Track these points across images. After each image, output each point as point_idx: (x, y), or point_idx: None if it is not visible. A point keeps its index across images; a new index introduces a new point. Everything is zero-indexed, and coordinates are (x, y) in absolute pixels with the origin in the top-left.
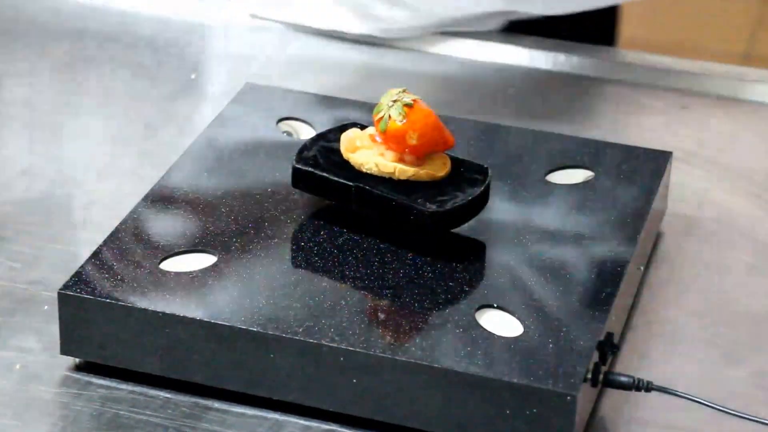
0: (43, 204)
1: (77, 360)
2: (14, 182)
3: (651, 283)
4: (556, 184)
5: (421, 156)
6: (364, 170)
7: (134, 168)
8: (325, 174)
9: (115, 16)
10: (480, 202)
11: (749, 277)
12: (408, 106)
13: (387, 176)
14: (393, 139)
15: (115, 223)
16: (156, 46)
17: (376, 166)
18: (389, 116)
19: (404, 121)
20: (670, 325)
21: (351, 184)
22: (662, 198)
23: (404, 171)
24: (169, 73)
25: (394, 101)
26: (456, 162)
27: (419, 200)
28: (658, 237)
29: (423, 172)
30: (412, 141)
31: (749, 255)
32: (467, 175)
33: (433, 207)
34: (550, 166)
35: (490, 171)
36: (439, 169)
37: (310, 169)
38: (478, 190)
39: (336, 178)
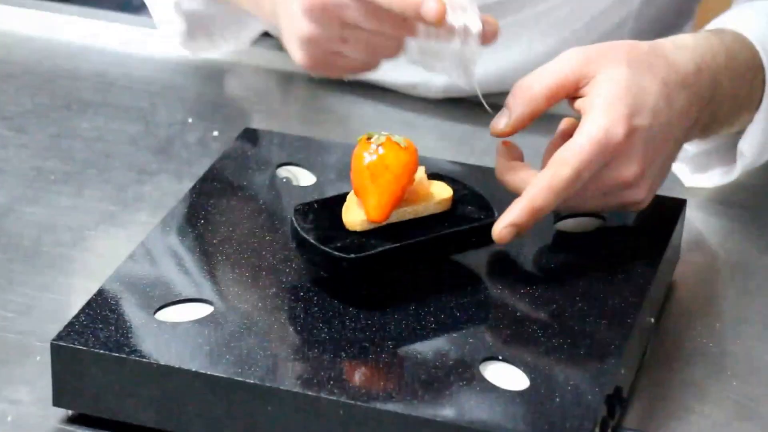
0: (36, 252)
1: (70, 412)
2: (6, 229)
3: (663, 335)
4: (565, 232)
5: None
6: None
7: (129, 215)
8: None
9: (109, 58)
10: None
11: (766, 329)
12: (369, 138)
13: None
14: None
15: (110, 271)
16: (152, 89)
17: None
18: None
19: (355, 148)
20: (682, 378)
21: None
22: (675, 247)
23: (351, 195)
24: (165, 117)
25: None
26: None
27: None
28: (671, 286)
29: (344, 205)
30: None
31: (766, 306)
32: (367, 241)
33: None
34: (560, 213)
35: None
36: (355, 217)
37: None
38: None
39: None
